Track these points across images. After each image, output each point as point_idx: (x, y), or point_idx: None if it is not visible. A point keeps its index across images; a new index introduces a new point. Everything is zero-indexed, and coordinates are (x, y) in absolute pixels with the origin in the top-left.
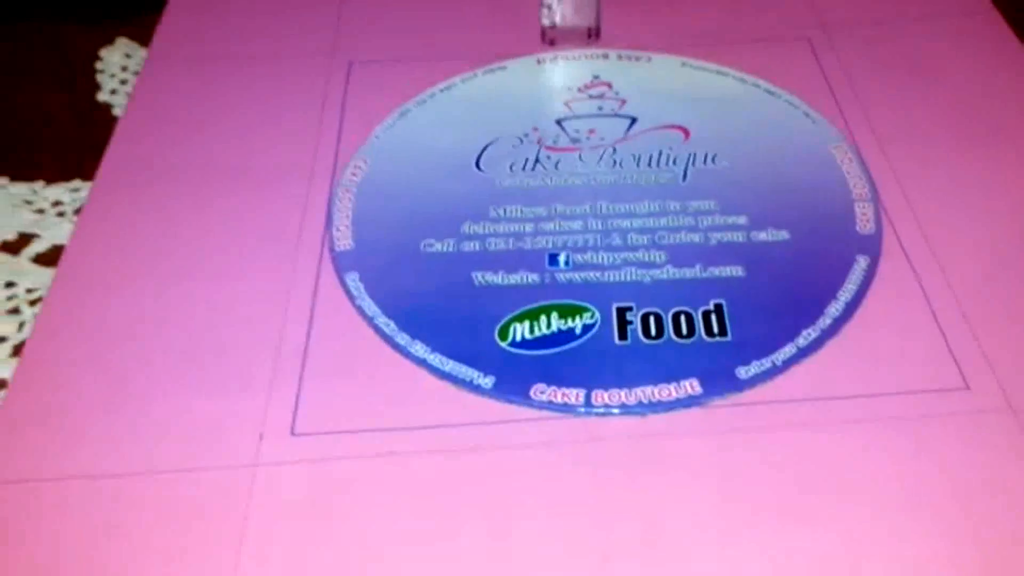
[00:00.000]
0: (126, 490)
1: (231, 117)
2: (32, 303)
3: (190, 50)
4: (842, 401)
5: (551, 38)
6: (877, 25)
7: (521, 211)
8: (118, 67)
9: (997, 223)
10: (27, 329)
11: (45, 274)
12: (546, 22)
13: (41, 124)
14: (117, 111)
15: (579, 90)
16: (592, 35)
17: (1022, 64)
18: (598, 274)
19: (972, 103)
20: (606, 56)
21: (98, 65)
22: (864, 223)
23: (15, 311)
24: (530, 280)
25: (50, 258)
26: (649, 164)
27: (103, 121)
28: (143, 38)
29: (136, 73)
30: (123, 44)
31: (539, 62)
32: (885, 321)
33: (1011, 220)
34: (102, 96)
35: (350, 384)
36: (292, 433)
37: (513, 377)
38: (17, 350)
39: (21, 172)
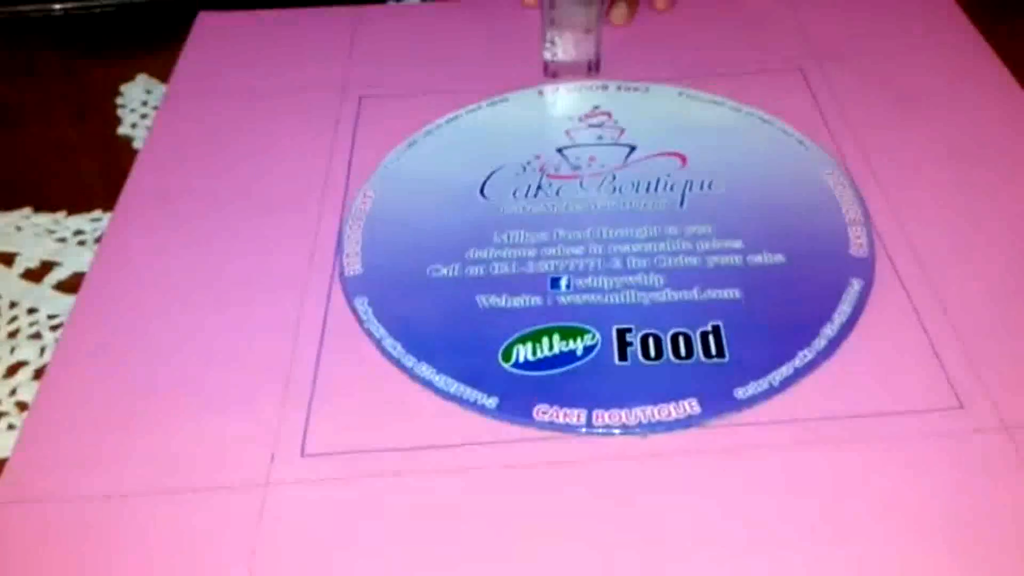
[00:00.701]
0: (140, 509)
1: (247, 150)
2: (53, 328)
3: (207, 86)
4: (839, 421)
5: (553, 71)
6: (868, 57)
7: (524, 236)
8: (138, 102)
9: (987, 245)
10: (48, 354)
11: (66, 301)
12: (548, 56)
13: (64, 157)
14: (137, 144)
15: (580, 119)
16: (592, 68)
17: (1009, 93)
18: (599, 297)
19: (961, 130)
20: (606, 87)
21: (119, 100)
22: (857, 246)
23: (37, 336)
24: (533, 303)
25: (71, 285)
26: (648, 190)
27: (123, 153)
28: (162, 74)
29: (155, 108)
30: (143, 80)
31: (541, 93)
32: (879, 342)
33: (1001, 242)
34: (123, 129)
35: (358, 405)
36: (302, 454)
37: (516, 397)
38: (39, 374)
39: (45, 203)
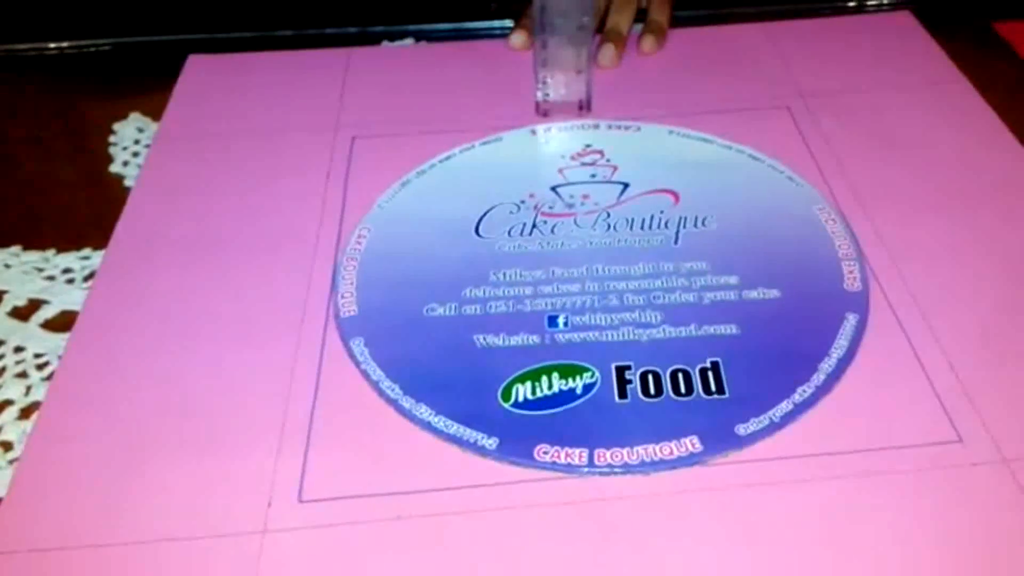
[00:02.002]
0: (134, 559)
1: (239, 189)
2: (40, 368)
3: (200, 125)
4: (839, 456)
5: (545, 111)
6: (854, 94)
7: (520, 275)
8: (130, 140)
9: (978, 278)
10: (34, 393)
11: (53, 339)
12: (540, 96)
13: (56, 194)
14: (129, 182)
15: (572, 158)
16: (583, 107)
17: (994, 129)
18: (597, 334)
19: (946, 165)
20: (597, 126)
21: (111, 138)
22: (851, 281)
23: (23, 375)
24: (531, 341)
25: (58, 324)
26: (642, 227)
27: (115, 192)
28: (155, 113)
29: (148, 146)
30: (136, 118)
31: (534, 132)
32: (877, 376)
33: (992, 274)
34: (114, 168)
35: (356, 449)
36: (299, 499)
37: (516, 438)
38: (24, 413)
39: (35, 240)
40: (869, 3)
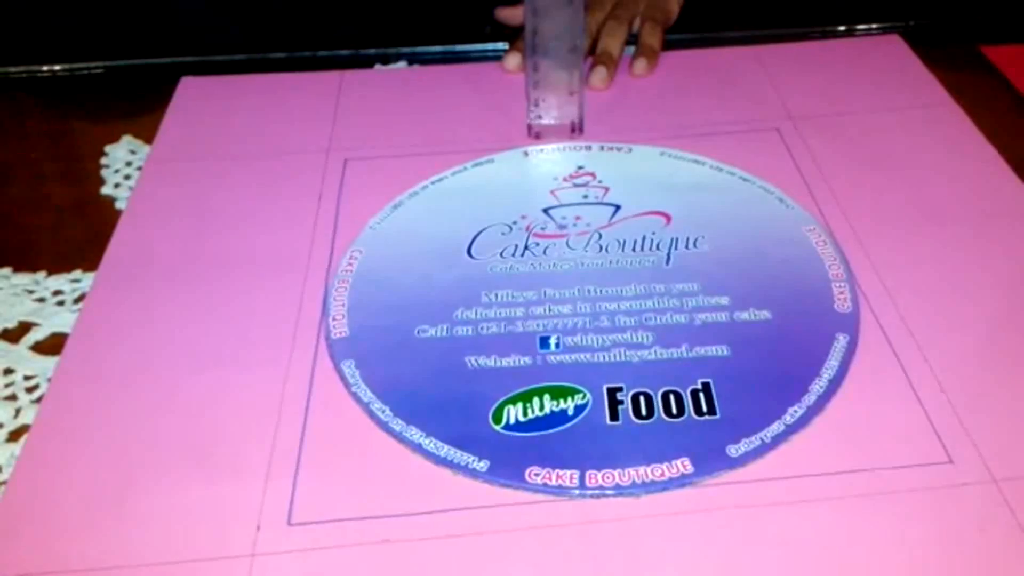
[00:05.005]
0: None
1: (230, 211)
2: (29, 390)
3: (192, 147)
4: (831, 477)
5: (537, 132)
6: (842, 117)
7: (512, 296)
8: (122, 163)
9: (967, 298)
10: (23, 416)
11: (43, 362)
12: (532, 118)
13: (48, 216)
14: (120, 204)
15: (564, 179)
16: (575, 129)
17: (982, 150)
18: (588, 356)
19: (936, 186)
20: (589, 147)
21: (103, 160)
22: (842, 302)
23: (12, 398)
24: (522, 363)
25: (48, 346)
26: (634, 248)
27: (106, 214)
28: (148, 136)
29: (139, 169)
30: (128, 141)
31: (526, 154)
32: (867, 397)
33: (980, 294)
34: (106, 190)
35: (346, 471)
36: (289, 523)
37: (508, 460)
38: (13, 436)
39: (26, 262)
40: (858, 27)
